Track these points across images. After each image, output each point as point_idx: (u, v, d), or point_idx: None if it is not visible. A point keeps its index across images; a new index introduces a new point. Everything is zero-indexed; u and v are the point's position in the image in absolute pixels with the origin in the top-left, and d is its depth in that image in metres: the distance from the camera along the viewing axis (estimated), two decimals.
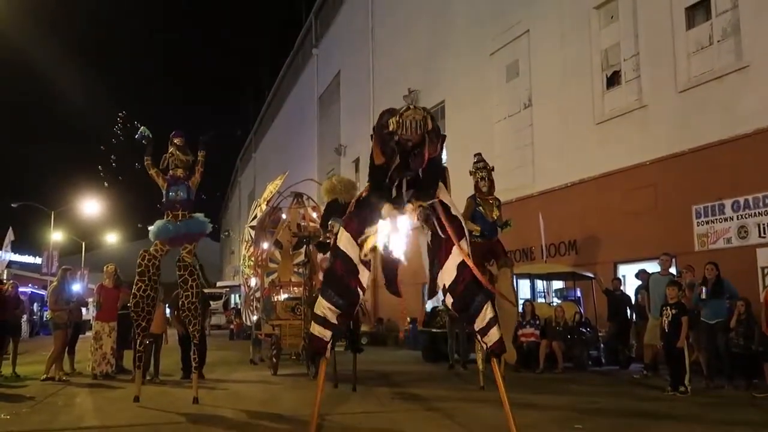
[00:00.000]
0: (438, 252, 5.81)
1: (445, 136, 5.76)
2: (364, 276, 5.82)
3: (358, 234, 5.79)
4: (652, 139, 14.12)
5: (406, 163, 5.48)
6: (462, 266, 5.65)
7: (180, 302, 8.58)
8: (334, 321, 5.79)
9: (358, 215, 5.90)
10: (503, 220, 9.94)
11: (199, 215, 8.70)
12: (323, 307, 5.81)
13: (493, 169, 10.07)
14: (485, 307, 5.72)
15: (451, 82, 21.83)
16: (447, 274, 5.70)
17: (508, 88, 19.08)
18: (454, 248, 5.63)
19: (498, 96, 19.44)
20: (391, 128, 5.32)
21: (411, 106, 5.39)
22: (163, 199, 8.49)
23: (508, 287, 9.63)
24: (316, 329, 5.84)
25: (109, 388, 10.25)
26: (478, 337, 5.83)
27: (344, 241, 5.84)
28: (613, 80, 15.66)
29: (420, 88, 23.58)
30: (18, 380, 11.24)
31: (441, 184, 5.90)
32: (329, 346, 5.92)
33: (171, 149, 8.55)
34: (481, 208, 9.77)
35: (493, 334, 5.75)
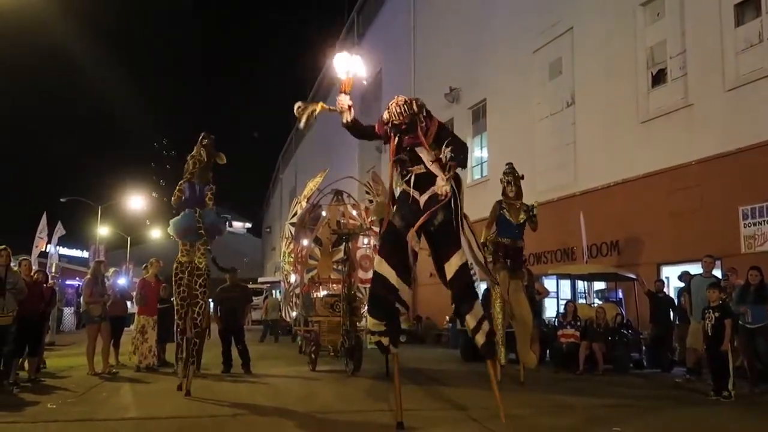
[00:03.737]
0: (441, 253, 6.57)
1: (459, 140, 6.70)
2: (404, 292, 6.52)
3: (390, 258, 6.49)
4: (698, 139, 13.85)
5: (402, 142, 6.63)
6: (462, 269, 6.43)
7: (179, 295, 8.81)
8: (384, 328, 6.54)
9: (389, 241, 6.65)
10: (529, 205, 10.55)
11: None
12: (373, 324, 6.59)
13: (522, 177, 10.68)
14: (474, 308, 6.45)
15: (492, 80, 21.68)
16: (449, 270, 6.43)
17: (551, 86, 18.89)
18: (457, 253, 6.44)
19: (540, 94, 19.26)
20: (385, 118, 6.65)
21: (396, 96, 6.70)
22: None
23: (521, 298, 10.33)
24: (375, 338, 6.72)
25: (152, 381, 10.46)
26: (471, 335, 6.57)
27: (380, 265, 6.55)
28: (658, 78, 15.39)
29: (461, 86, 23.51)
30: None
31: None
32: (390, 345, 6.62)
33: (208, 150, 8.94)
34: (506, 211, 10.42)
35: (480, 338, 6.51)
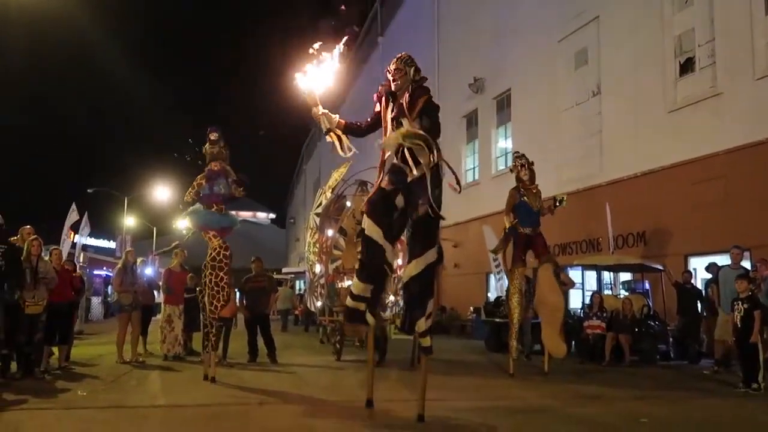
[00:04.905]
0: (411, 247, 6.41)
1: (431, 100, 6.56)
2: (389, 252, 6.44)
3: (378, 219, 6.36)
4: (727, 128, 13.66)
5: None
6: (422, 274, 6.20)
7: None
8: (368, 295, 6.49)
9: (377, 201, 6.46)
10: (559, 197, 10.42)
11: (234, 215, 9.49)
12: (360, 287, 6.51)
13: (533, 163, 10.53)
14: (422, 319, 6.27)
15: (517, 69, 21.54)
16: (409, 271, 6.29)
17: (577, 76, 18.71)
18: (422, 256, 6.20)
19: (566, 84, 19.09)
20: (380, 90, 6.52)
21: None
22: (207, 191, 9.01)
23: (551, 282, 10.11)
24: (351, 303, 6.58)
25: (179, 369, 10.59)
26: (419, 338, 6.56)
27: (369, 227, 6.38)
28: (686, 67, 15.17)
29: (485, 77, 23.39)
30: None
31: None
32: (366, 314, 6.58)
33: (205, 145, 9.15)
34: (525, 198, 10.26)
35: (426, 341, 6.47)
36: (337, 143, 6.60)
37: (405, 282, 6.30)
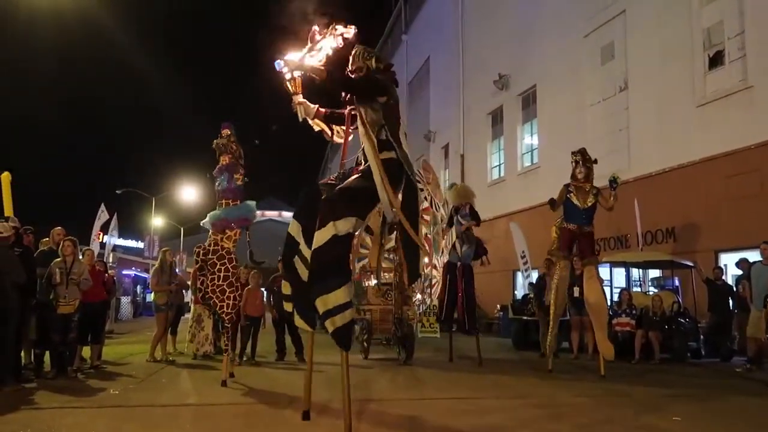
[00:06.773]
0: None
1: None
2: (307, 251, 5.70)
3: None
4: (758, 122, 13.44)
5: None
6: (325, 246, 5.41)
7: (204, 284, 8.74)
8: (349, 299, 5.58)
9: (307, 206, 6.01)
10: (611, 177, 10.03)
11: (247, 203, 8.95)
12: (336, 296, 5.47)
13: (596, 162, 10.27)
14: (329, 295, 5.48)
15: (542, 65, 21.39)
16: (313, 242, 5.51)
17: (603, 71, 18.54)
18: (325, 227, 5.43)
19: (592, 79, 18.93)
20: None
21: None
22: (218, 188, 8.92)
23: (594, 284, 9.93)
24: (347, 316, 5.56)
25: (209, 368, 10.67)
26: (321, 321, 5.66)
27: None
28: (715, 60, 14.95)
29: (510, 73, 23.27)
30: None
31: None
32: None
33: (216, 140, 8.97)
34: (572, 195, 10.04)
35: (328, 325, 5.58)
36: (325, 129, 6.28)
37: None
